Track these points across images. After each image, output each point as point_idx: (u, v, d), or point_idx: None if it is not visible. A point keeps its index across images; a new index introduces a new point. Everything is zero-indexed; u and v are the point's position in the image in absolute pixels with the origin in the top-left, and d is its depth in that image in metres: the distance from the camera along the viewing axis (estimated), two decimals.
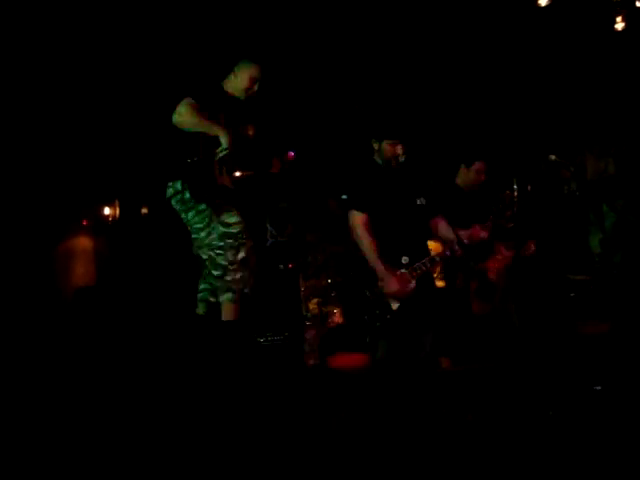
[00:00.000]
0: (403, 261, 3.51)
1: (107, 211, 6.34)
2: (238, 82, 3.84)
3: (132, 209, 6.37)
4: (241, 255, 3.68)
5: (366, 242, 3.50)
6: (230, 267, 3.65)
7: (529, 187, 6.35)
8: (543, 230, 4.67)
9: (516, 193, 5.74)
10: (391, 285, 3.44)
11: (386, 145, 3.67)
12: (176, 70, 5.23)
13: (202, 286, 3.85)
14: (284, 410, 3.35)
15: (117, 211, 6.36)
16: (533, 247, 4.56)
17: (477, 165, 4.54)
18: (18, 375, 3.97)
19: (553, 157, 4.60)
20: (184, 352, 3.90)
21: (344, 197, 3.71)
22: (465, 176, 4.58)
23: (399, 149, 3.65)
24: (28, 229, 5.60)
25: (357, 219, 3.55)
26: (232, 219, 3.69)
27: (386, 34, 5.64)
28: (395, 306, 3.49)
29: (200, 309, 3.86)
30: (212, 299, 3.81)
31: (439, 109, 6.18)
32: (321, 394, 3.33)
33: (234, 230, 3.68)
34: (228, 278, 3.66)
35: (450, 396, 3.62)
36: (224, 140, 3.55)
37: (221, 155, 3.58)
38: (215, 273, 3.70)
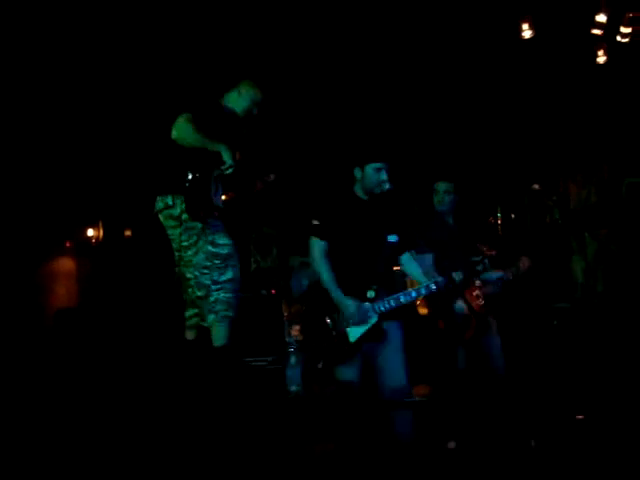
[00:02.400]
0: (368, 296, 3.53)
1: (91, 233, 6.31)
2: (241, 101, 3.79)
3: (115, 231, 6.34)
4: (227, 276, 3.57)
5: (321, 268, 3.54)
6: (213, 287, 3.55)
7: (513, 215, 6.41)
8: (532, 256, 4.69)
9: (500, 221, 5.81)
10: (349, 309, 3.47)
11: (370, 170, 3.68)
12: (167, 86, 5.23)
13: (190, 312, 3.72)
14: (266, 437, 3.32)
15: (100, 233, 6.33)
16: (527, 262, 4.55)
17: (443, 184, 4.52)
18: None
19: (536, 186, 4.63)
20: (168, 376, 3.84)
21: (315, 222, 3.70)
22: (438, 197, 4.57)
23: (383, 175, 3.66)
24: (11, 250, 5.56)
25: (315, 247, 3.59)
26: (222, 240, 3.59)
27: (371, 60, 5.70)
28: (353, 338, 3.50)
29: (190, 335, 3.75)
30: (203, 324, 3.68)
31: (423, 138, 6.24)
32: (302, 420, 3.30)
33: (223, 251, 3.58)
34: (211, 299, 3.54)
35: (429, 425, 3.60)
36: (227, 156, 3.47)
37: (226, 172, 3.51)
38: (198, 293, 3.59)
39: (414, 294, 3.64)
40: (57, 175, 5.82)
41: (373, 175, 3.66)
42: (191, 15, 5.05)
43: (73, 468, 3.03)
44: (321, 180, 5.61)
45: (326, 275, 3.55)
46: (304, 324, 3.92)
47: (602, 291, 6.14)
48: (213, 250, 3.56)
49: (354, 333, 3.52)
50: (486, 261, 3.82)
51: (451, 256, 4.03)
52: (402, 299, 3.61)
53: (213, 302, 3.55)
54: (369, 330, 3.52)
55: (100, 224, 6.34)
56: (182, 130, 3.51)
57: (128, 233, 6.36)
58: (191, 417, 3.38)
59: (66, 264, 6.28)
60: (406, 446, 3.43)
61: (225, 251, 3.59)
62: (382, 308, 3.54)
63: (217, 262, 3.56)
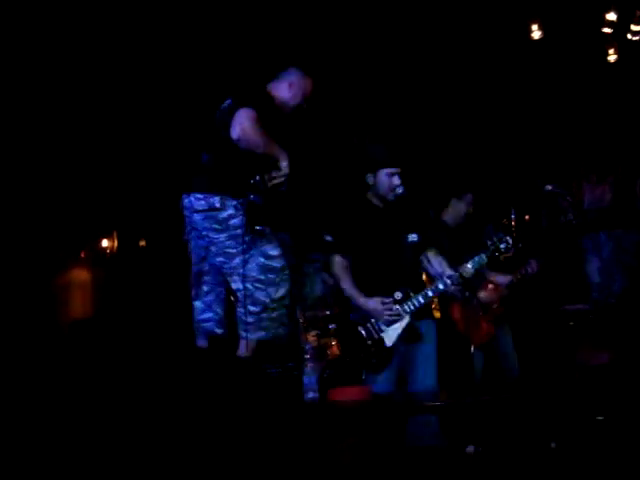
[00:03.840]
0: (396, 297, 3.52)
1: (105, 243, 6.35)
2: (294, 92, 3.42)
3: (130, 241, 6.37)
4: (281, 293, 3.38)
5: (347, 286, 3.58)
6: (270, 305, 3.34)
7: (527, 217, 6.38)
8: (541, 259, 4.66)
9: (514, 222, 5.78)
10: (376, 309, 3.46)
11: (383, 176, 3.67)
12: (182, 89, 5.17)
13: (205, 315, 3.55)
14: (282, 445, 3.32)
15: (115, 243, 6.36)
16: (536, 265, 4.53)
17: (468, 197, 4.53)
18: (11, 411, 3.92)
19: (550, 187, 4.61)
20: (184, 385, 3.82)
21: (328, 238, 3.69)
22: (456, 209, 4.56)
23: (396, 180, 3.65)
24: (26, 261, 5.59)
25: (336, 264, 3.57)
26: (274, 252, 3.37)
27: (380, 64, 5.71)
28: (390, 342, 3.50)
29: (202, 341, 3.61)
30: (218, 330, 3.54)
31: (435, 140, 6.23)
32: (320, 428, 3.29)
33: (276, 264, 3.37)
34: (264, 315, 3.36)
35: (449, 429, 3.58)
36: (285, 165, 3.23)
37: (279, 180, 3.26)
38: (252, 309, 3.35)
39: (441, 286, 3.61)
40: (72, 186, 5.86)
41: (386, 180, 3.66)
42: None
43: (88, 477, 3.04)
44: (334, 187, 5.61)
45: (349, 288, 3.55)
46: (340, 341, 3.88)
47: (618, 291, 6.08)
48: (266, 263, 3.36)
49: (390, 337, 3.52)
50: (508, 238, 3.68)
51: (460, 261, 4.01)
52: (430, 293, 3.60)
53: (267, 319, 3.40)
54: (404, 331, 3.52)
55: (115, 235, 6.37)
56: (248, 131, 3.15)
57: (143, 243, 6.39)
58: (206, 424, 3.38)
59: (81, 275, 6.32)
60: (424, 451, 3.42)
61: (279, 264, 3.39)
62: (412, 307, 3.53)
63: (272, 276, 3.36)
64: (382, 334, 3.54)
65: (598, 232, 6.30)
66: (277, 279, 3.36)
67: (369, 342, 3.52)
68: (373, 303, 3.51)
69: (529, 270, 4.51)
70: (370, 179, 3.71)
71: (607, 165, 6.49)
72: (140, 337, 5.40)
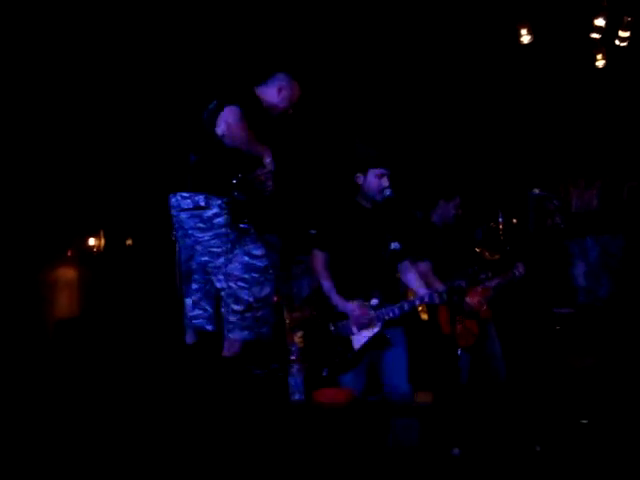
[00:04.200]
0: (372, 303, 3.53)
1: (92, 242, 6.31)
2: (282, 97, 3.47)
3: (117, 240, 6.34)
4: (265, 292, 3.37)
5: (322, 278, 3.57)
6: (255, 305, 3.33)
7: (514, 220, 6.41)
8: (528, 263, 4.68)
9: (501, 226, 5.80)
10: (354, 313, 3.47)
11: (372, 177, 3.68)
12: (175, 88, 5.15)
13: (195, 312, 3.54)
14: (266, 445, 3.31)
15: (102, 242, 6.33)
16: (523, 269, 4.55)
17: (456, 199, 4.54)
18: None
19: (538, 190, 4.63)
20: (170, 385, 3.80)
21: (312, 232, 3.70)
22: (444, 211, 4.57)
23: (385, 181, 3.66)
24: (12, 259, 5.55)
25: (316, 258, 3.59)
26: (258, 251, 3.37)
27: (370, 66, 5.71)
28: (357, 346, 3.50)
29: (190, 337, 3.60)
30: (209, 327, 3.53)
31: (424, 142, 6.25)
32: (305, 430, 3.29)
33: (260, 264, 3.36)
34: (248, 315, 3.34)
35: (432, 431, 3.59)
36: (268, 161, 3.24)
37: (264, 178, 3.27)
38: (235, 307, 3.35)
39: (417, 302, 3.65)
40: (58, 184, 5.82)
41: (375, 181, 3.67)
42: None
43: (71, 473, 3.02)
44: (323, 187, 5.61)
45: (327, 284, 3.56)
46: (307, 332, 3.91)
47: (604, 295, 6.13)
48: (250, 262, 3.35)
49: (358, 340, 3.52)
50: (489, 274, 3.82)
51: (449, 263, 4.05)
52: (406, 307, 3.61)
53: (250, 318, 3.37)
54: (373, 338, 3.53)
55: (101, 233, 6.34)
56: (233, 127, 3.19)
57: (129, 242, 6.36)
58: (193, 424, 3.37)
59: (67, 273, 6.27)
60: (408, 452, 3.42)
61: (262, 263, 3.38)
62: (386, 317, 3.55)
63: (255, 276, 3.35)
64: (351, 336, 3.54)
65: (585, 236, 6.35)
66: (261, 278, 3.36)
67: (336, 341, 3.52)
68: (351, 306, 3.51)
69: (516, 273, 4.53)
70: (359, 179, 3.72)
71: (595, 170, 6.54)
72: (126, 336, 5.38)
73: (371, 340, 3.53)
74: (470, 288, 4.42)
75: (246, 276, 3.33)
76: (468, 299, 4.41)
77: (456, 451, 3.50)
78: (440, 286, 3.81)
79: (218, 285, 3.41)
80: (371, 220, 3.70)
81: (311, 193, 5.71)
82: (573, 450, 3.45)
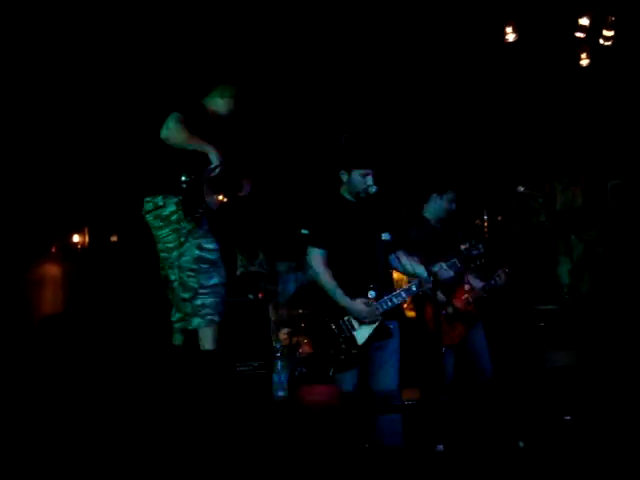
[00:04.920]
0: (370, 296, 3.53)
1: (76, 238, 6.29)
2: (223, 103, 3.81)
3: (101, 237, 6.32)
4: (214, 281, 3.53)
5: (324, 278, 3.58)
6: (200, 291, 3.49)
7: (499, 218, 6.44)
8: (512, 260, 4.70)
9: (486, 224, 5.83)
10: (362, 312, 3.47)
11: (356, 175, 3.69)
12: (153, 89, 5.19)
13: (177, 315, 3.69)
14: (250, 444, 3.31)
15: (86, 239, 6.31)
16: (504, 276, 4.57)
17: (450, 194, 4.55)
18: None
19: (522, 188, 4.64)
20: (156, 382, 3.81)
21: (304, 232, 3.71)
22: (436, 205, 4.57)
23: (369, 180, 3.66)
24: None
25: (315, 256, 3.60)
26: (210, 245, 3.55)
27: (357, 65, 5.71)
28: (361, 340, 3.51)
29: (177, 339, 3.72)
30: (188, 326, 3.63)
31: (410, 140, 6.26)
32: (288, 428, 3.29)
33: (210, 256, 3.54)
34: (197, 302, 3.49)
35: (417, 428, 3.61)
36: (214, 158, 3.48)
37: (213, 174, 3.49)
38: (184, 295, 3.54)
39: (414, 288, 3.64)
40: (42, 181, 5.79)
41: (359, 180, 3.68)
42: (174, 17, 5.02)
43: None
44: (307, 184, 5.61)
45: (330, 284, 3.56)
46: (311, 337, 3.89)
47: (588, 293, 6.16)
48: (200, 254, 3.52)
49: (361, 335, 3.53)
50: (480, 245, 3.76)
51: (437, 258, 4.04)
52: (403, 294, 3.62)
53: (200, 306, 3.51)
54: (375, 330, 3.53)
55: (86, 230, 6.32)
56: (172, 130, 3.51)
57: (114, 239, 6.34)
58: (179, 422, 3.36)
59: (52, 270, 6.24)
60: (394, 449, 3.43)
61: (212, 256, 3.56)
62: (385, 306, 3.55)
63: (204, 267, 3.53)
64: (354, 332, 3.55)
65: (569, 234, 6.38)
66: (210, 269, 3.54)
67: (340, 339, 3.52)
68: (359, 305, 3.51)
69: (498, 281, 4.54)
70: (344, 176, 3.73)
71: (579, 167, 6.57)
72: (111, 333, 5.36)
73: (374, 333, 3.54)
74: (457, 288, 4.45)
75: (195, 267, 3.52)
76: (455, 295, 4.44)
77: (440, 447, 3.53)
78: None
79: (172, 278, 3.61)
80: (357, 213, 3.70)
81: (296, 190, 5.72)
82: (556, 446, 3.48)
